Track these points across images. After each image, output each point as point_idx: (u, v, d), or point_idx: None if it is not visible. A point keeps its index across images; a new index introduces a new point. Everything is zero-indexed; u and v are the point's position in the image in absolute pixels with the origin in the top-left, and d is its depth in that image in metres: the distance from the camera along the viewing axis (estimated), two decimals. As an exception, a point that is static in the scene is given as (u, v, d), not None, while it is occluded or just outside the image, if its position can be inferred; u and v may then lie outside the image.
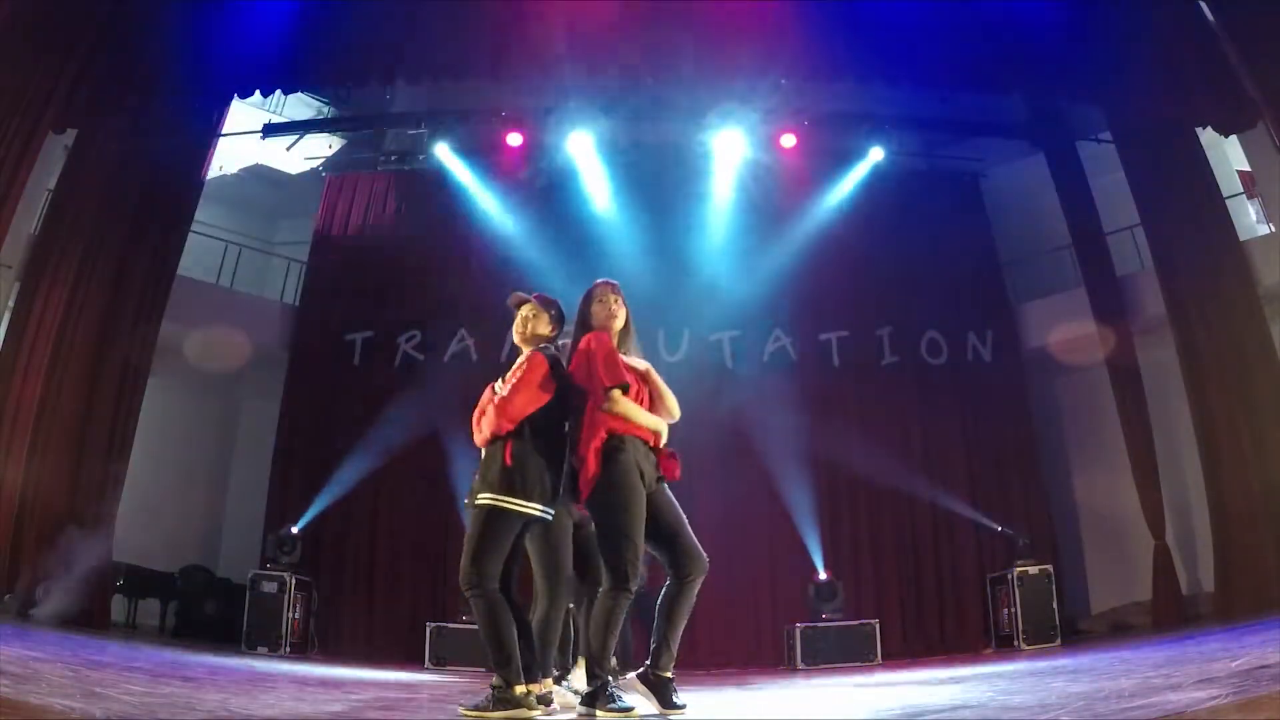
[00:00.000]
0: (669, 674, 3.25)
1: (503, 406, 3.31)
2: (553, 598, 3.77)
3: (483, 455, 3.38)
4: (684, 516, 3.47)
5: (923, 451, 10.23)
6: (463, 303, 10.67)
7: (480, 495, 3.24)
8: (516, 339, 3.59)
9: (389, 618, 9.77)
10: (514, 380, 3.36)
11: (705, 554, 3.40)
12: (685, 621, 3.34)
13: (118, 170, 8.91)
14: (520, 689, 3.05)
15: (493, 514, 3.21)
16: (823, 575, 9.26)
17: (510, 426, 3.28)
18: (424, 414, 9.61)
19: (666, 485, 3.53)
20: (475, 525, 3.24)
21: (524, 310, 3.58)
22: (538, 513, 3.27)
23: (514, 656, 3.09)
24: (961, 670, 5.70)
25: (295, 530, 9.30)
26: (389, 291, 10.79)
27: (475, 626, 3.58)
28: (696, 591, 3.36)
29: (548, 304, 3.61)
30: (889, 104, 10.86)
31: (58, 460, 8.13)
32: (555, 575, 3.74)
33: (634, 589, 3.25)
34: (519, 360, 3.50)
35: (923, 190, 11.44)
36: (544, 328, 3.55)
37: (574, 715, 3.35)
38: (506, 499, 3.22)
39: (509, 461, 3.23)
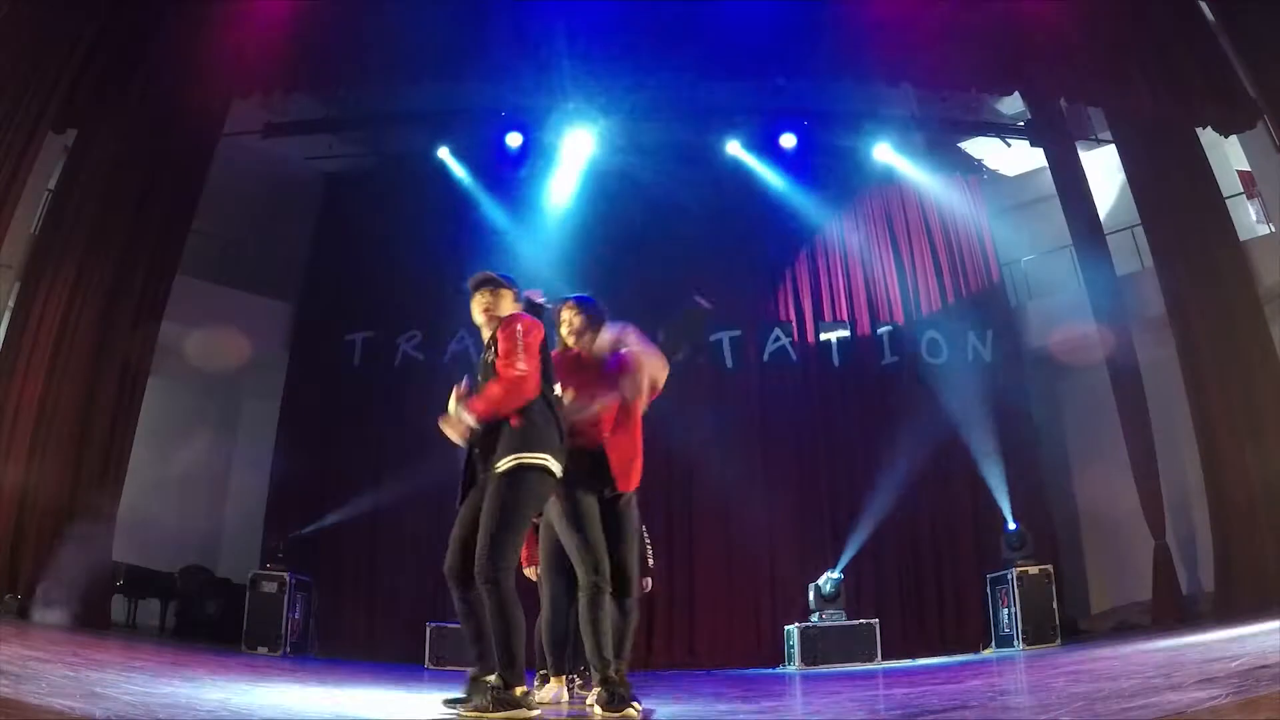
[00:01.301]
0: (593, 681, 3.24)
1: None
2: (555, 593, 3.78)
3: (481, 432, 3.20)
4: (630, 535, 3.47)
5: (922, 451, 10.24)
6: (463, 303, 10.65)
7: (500, 461, 3.09)
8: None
9: (389, 618, 9.76)
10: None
11: (638, 579, 3.43)
12: (621, 634, 3.36)
13: (118, 170, 8.91)
14: (520, 690, 3.03)
15: (515, 478, 3.08)
16: (826, 575, 9.23)
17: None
18: (424, 413, 9.58)
19: (628, 499, 3.51)
20: (495, 499, 3.07)
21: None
22: (556, 468, 3.18)
23: (519, 657, 3.04)
24: (961, 670, 5.70)
25: (303, 532, 9.33)
26: (389, 291, 10.78)
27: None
28: (632, 612, 3.43)
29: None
30: (889, 104, 10.86)
31: (58, 460, 8.13)
32: (562, 569, 3.74)
33: (605, 586, 3.26)
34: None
35: (922, 190, 11.45)
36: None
37: (568, 714, 3.36)
38: (529, 455, 3.11)
39: (517, 423, 3.14)
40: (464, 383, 3.29)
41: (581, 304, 3.69)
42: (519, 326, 3.22)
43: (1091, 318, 9.93)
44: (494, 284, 3.37)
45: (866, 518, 9.94)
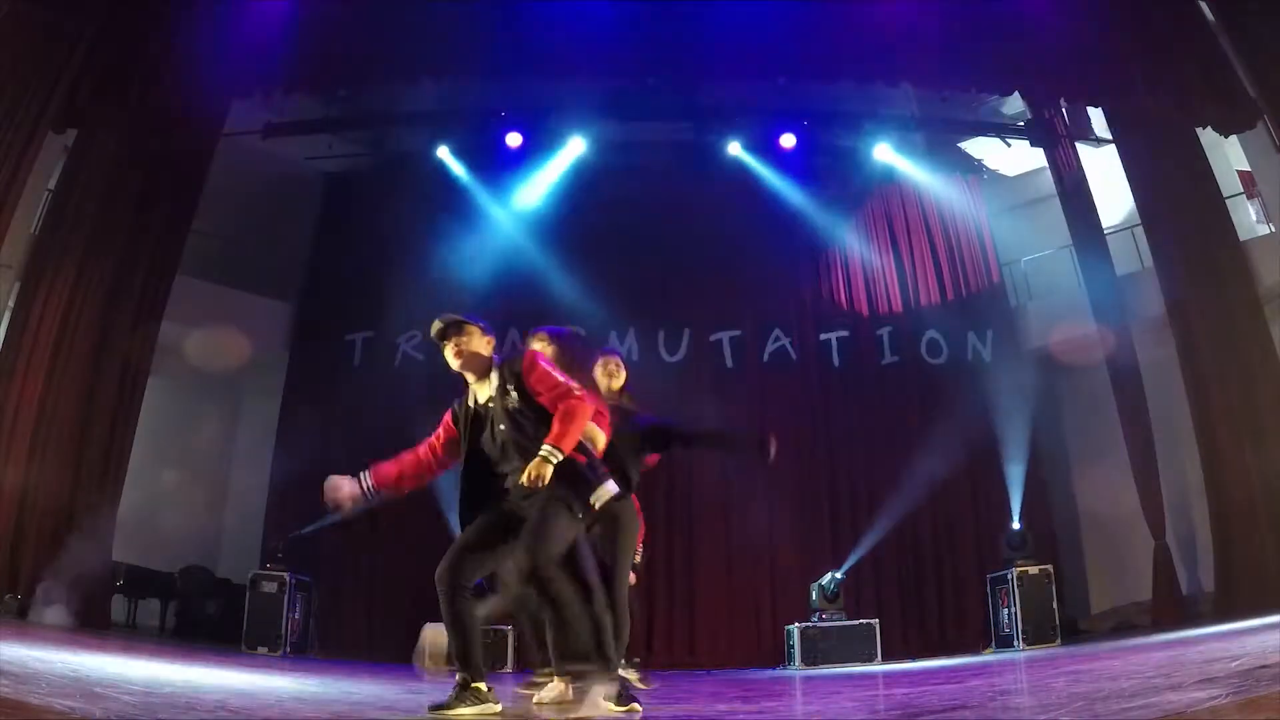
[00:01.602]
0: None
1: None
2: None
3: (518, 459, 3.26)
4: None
5: (923, 451, 10.24)
6: (462, 303, 10.68)
7: (590, 498, 3.19)
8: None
9: (389, 618, 9.76)
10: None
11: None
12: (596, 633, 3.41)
13: (118, 170, 8.91)
14: (631, 673, 3.11)
15: (580, 516, 3.21)
16: (830, 574, 9.22)
17: None
18: (424, 413, 9.58)
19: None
20: (559, 523, 3.12)
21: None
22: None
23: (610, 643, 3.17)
24: (961, 670, 5.70)
25: (303, 532, 9.31)
26: (389, 291, 10.79)
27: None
28: (602, 613, 3.48)
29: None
30: (889, 104, 10.86)
31: (58, 460, 8.13)
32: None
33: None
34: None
35: (922, 190, 11.44)
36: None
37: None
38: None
39: (583, 458, 3.23)
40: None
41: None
42: (540, 361, 3.26)
43: (1091, 318, 9.93)
44: (458, 325, 3.30)
45: (866, 518, 9.95)
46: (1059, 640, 8.31)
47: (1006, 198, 11.82)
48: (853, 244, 11.20)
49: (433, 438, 3.49)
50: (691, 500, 10.01)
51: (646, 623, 9.37)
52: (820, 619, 8.78)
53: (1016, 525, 9.38)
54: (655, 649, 9.51)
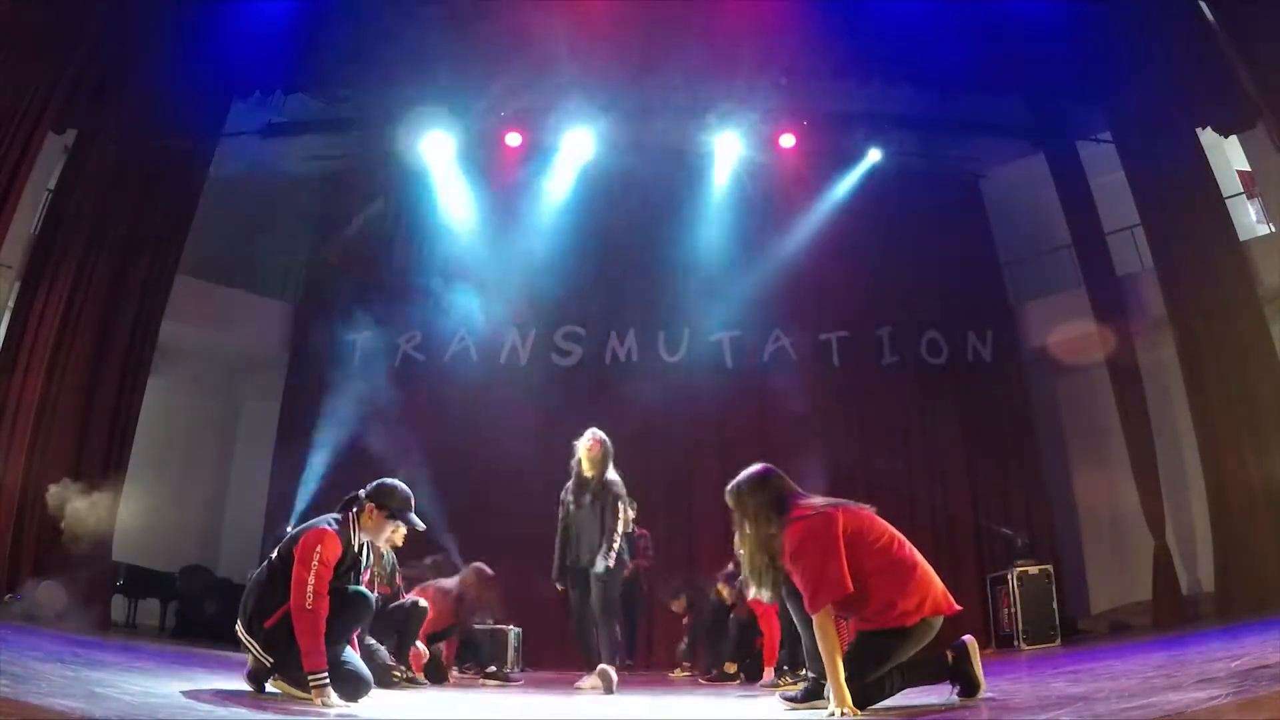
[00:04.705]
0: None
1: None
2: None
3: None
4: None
5: (923, 451, 10.23)
6: (462, 302, 10.68)
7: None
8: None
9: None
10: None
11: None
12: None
13: (118, 170, 8.91)
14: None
15: None
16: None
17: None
18: (423, 413, 9.60)
19: None
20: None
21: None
22: None
23: None
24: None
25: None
26: (389, 291, 10.78)
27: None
28: None
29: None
30: (889, 104, 10.84)
31: (58, 460, 8.13)
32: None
33: None
34: None
35: (922, 190, 11.42)
36: None
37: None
38: None
39: None
40: None
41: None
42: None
43: (1091, 318, 9.93)
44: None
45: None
46: (1059, 640, 8.31)
47: (1008, 197, 11.80)
48: (852, 244, 11.17)
49: None
50: (691, 501, 10.00)
51: (647, 621, 9.38)
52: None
53: (1016, 526, 9.37)
54: (655, 649, 9.52)
